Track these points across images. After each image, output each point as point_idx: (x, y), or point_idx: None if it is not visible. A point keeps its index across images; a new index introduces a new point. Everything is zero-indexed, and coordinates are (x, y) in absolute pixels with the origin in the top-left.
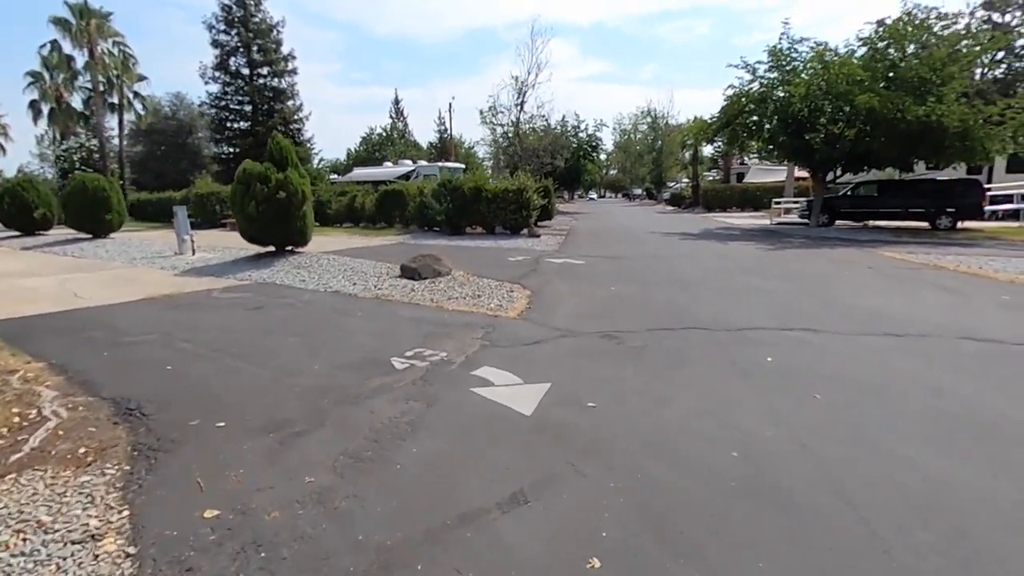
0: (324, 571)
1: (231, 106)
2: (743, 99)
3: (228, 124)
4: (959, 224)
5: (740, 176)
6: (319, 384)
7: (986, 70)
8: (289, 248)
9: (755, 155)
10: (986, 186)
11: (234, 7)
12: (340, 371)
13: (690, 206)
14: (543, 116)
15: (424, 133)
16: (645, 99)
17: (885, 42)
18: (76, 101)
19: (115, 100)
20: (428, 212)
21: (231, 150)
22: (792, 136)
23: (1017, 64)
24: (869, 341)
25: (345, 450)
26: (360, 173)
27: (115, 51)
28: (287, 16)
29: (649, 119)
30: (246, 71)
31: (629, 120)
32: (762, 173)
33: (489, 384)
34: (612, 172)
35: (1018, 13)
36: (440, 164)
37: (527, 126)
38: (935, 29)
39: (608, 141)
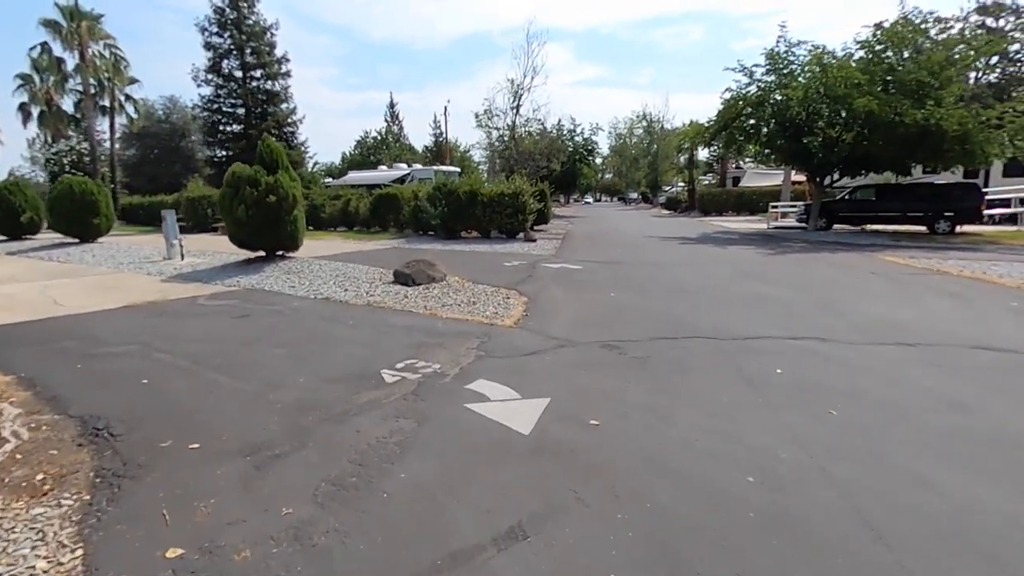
0: None
1: (224, 109)
2: (740, 102)
3: (221, 127)
4: (958, 228)
5: (736, 180)
6: (303, 399)
7: (981, 74)
8: (280, 253)
9: (751, 159)
10: (984, 190)
11: (227, 9)
12: (326, 385)
13: (686, 210)
14: (539, 120)
15: (420, 137)
16: (640, 103)
17: (883, 45)
18: (67, 104)
19: (106, 103)
20: (423, 216)
21: (224, 153)
22: (790, 139)
23: (1011, 69)
24: (880, 351)
25: (327, 476)
26: (355, 177)
27: (106, 53)
28: (283, 20)
29: (645, 123)
30: (239, 74)
31: (624, 124)
32: (758, 177)
33: (484, 399)
34: (608, 176)
35: (1011, 18)
36: (435, 168)
37: (523, 129)
38: (932, 33)
39: (604, 145)
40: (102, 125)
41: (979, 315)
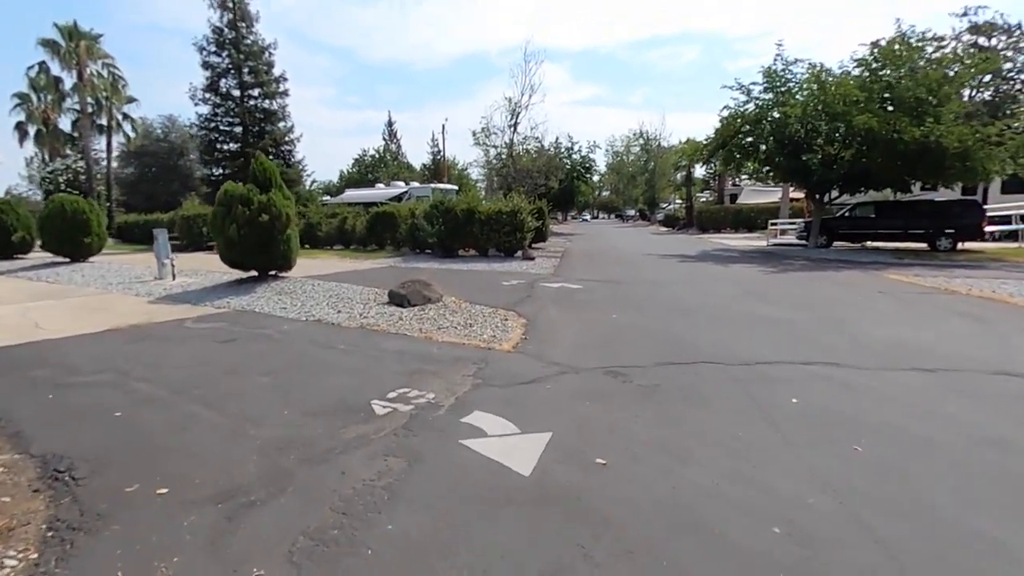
0: None
1: (221, 128)
2: (738, 120)
3: (218, 146)
4: (959, 245)
5: (733, 197)
6: (286, 436)
7: (975, 92)
8: (273, 273)
9: (747, 176)
10: (984, 207)
11: (225, 29)
12: (312, 419)
13: (684, 227)
14: (536, 137)
15: (418, 156)
16: (637, 122)
17: (880, 63)
18: (65, 123)
19: (104, 122)
20: (420, 234)
21: (221, 172)
22: (789, 157)
23: (1004, 87)
24: (900, 378)
25: (306, 528)
26: (352, 195)
27: (104, 73)
28: (284, 42)
29: (641, 141)
30: (237, 93)
31: (622, 142)
32: (755, 194)
33: (481, 434)
34: (605, 193)
35: (1003, 37)
36: (432, 185)
37: (520, 147)
38: (928, 51)
39: (601, 163)
40: (99, 144)
41: (996, 337)
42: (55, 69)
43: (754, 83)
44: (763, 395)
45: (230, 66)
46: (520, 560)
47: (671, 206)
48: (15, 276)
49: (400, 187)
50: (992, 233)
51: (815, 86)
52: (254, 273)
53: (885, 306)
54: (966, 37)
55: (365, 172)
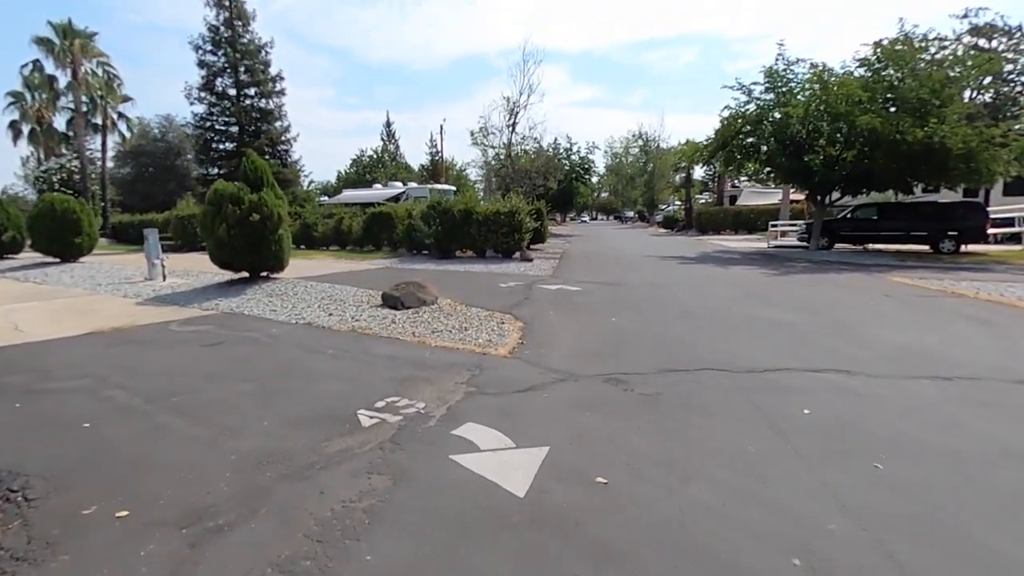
0: None
1: (217, 127)
2: (739, 120)
3: (214, 145)
4: (962, 248)
5: (733, 199)
6: (264, 449)
7: (975, 94)
8: (265, 274)
9: (746, 178)
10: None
11: (221, 27)
12: (294, 430)
13: (683, 229)
14: (535, 138)
15: (416, 156)
16: (636, 123)
17: (882, 63)
18: (60, 122)
19: (99, 121)
20: (417, 235)
21: (217, 171)
22: (790, 158)
23: (1004, 89)
24: (914, 386)
25: (277, 557)
26: (349, 195)
27: (99, 71)
28: (283, 43)
29: (640, 142)
30: (233, 92)
31: (620, 143)
32: (755, 196)
33: (473, 448)
34: (604, 195)
35: (1004, 39)
36: (430, 186)
37: (519, 147)
38: (932, 50)
39: (600, 164)
40: (95, 143)
41: (1009, 343)
42: (49, 67)
43: (755, 83)
44: (771, 405)
45: (226, 65)
46: None
47: (670, 208)
48: (3, 276)
49: (398, 188)
50: (994, 235)
51: (817, 86)
52: (245, 274)
53: (892, 310)
54: (966, 39)
55: (363, 173)
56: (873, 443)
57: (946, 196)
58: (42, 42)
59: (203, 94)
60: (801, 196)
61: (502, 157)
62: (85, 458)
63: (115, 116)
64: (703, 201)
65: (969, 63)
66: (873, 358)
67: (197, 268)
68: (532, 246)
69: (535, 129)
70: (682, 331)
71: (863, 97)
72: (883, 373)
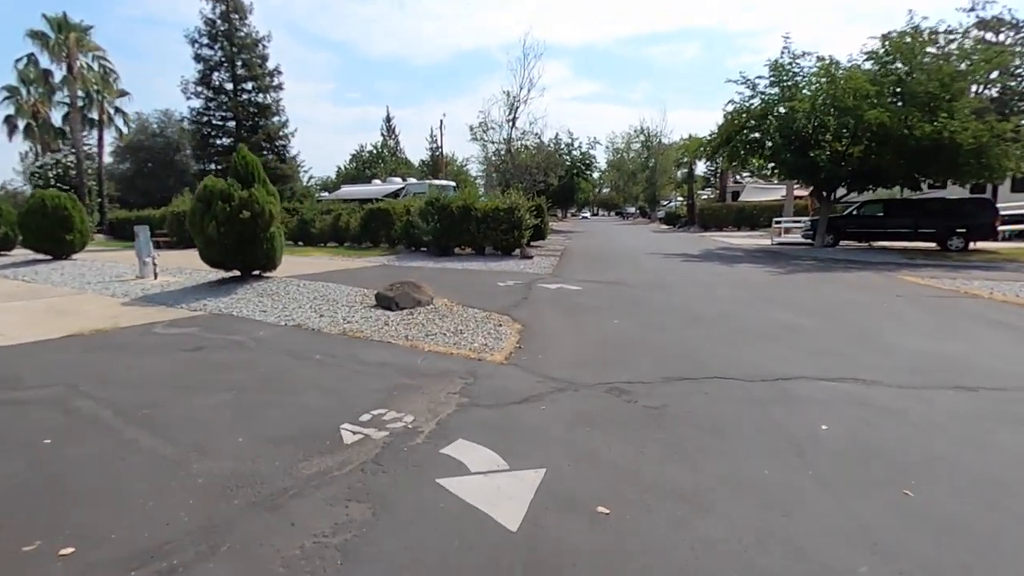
0: None
1: (214, 122)
2: (744, 115)
3: (211, 140)
4: (971, 245)
5: (735, 195)
6: (235, 472)
7: (982, 89)
8: (257, 273)
9: (749, 174)
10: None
11: (218, 21)
12: (270, 448)
13: (685, 225)
14: (535, 133)
15: (417, 152)
16: (638, 118)
17: (891, 56)
18: (56, 117)
19: (95, 115)
20: (415, 232)
21: (214, 167)
22: (796, 153)
23: (1011, 83)
24: (940, 399)
25: None
26: (348, 191)
27: (95, 65)
28: (283, 37)
29: (642, 137)
30: (230, 86)
31: (622, 139)
32: (758, 192)
33: (462, 470)
34: (605, 190)
35: (1011, 33)
36: (429, 182)
37: (519, 143)
38: (941, 43)
39: (601, 159)
40: (92, 138)
41: None
42: (44, 62)
43: (760, 77)
44: (787, 420)
45: (223, 59)
46: None
47: (672, 204)
48: None
49: (397, 183)
50: (1002, 232)
51: (824, 80)
52: (237, 273)
53: (906, 311)
54: (974, 33)
55: (363, 168)
56: (900, 466)
57: (952, 192)
58: (37, 36)
59: (200, 88)
60: (805, 192)
61: (502, 152)
62: (38, 482)
63: (111, 111)
64: (705, 197)
65: (976, 57)
66: (891, 366)
67: (191, 266)
68: (532, 243)
69: (536, 124)
70: (688, 335)
71: (871, 91)
72: (903, 383)
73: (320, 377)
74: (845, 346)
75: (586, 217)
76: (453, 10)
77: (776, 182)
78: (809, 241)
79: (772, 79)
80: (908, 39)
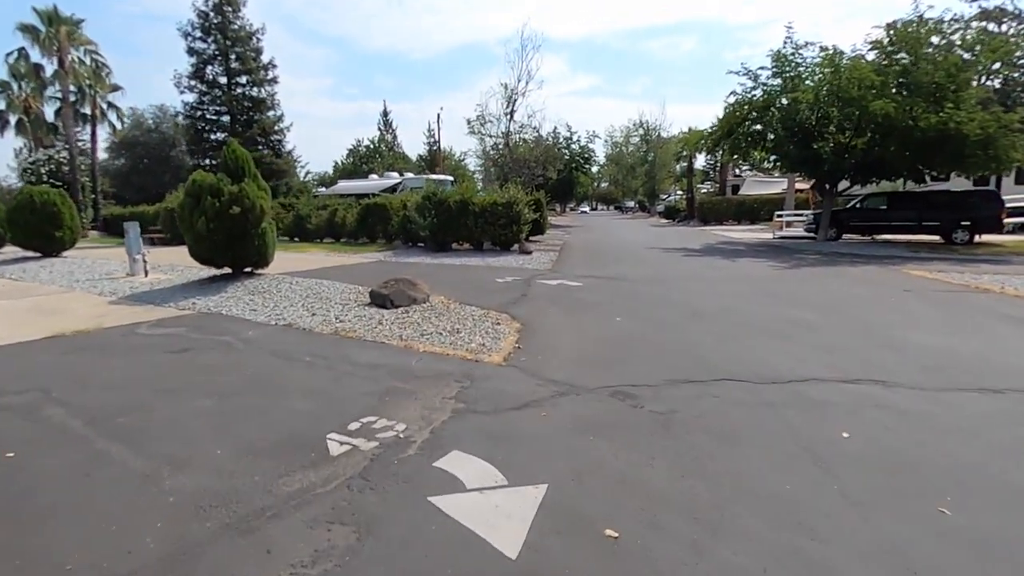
0: None
1: (208, 116)
2: (745, 106)
3: (205, 135)
4: (976, 238)
5: (735, 188)
6: (210, 489)
7: (985, 80)
8: (248, 270)
9: (748, 167)
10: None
11: (211, 14)
12: (250, 461)
13: (685, 219)
14: (534, 127)
15: (415, 146)
16: (636, 112)
17: (895, 46)
18: (49, 112)
19: (88, 111)
20: (411, 227)
21: (209, 162)
22: (798, 145)
23: (1014, 75)
24: (964, 401)
25: None
26: (345, 186)
27: (87, 60)
28: (279, 31)
29: (641, 131)
30: (223, 80)
31: (621, 132)
32: (758, 185)
33: (457, 487)
34: (604, 185)
35: (1014, 24)
36: (427, 176)
37: (517, 136)
38: (946, 31)
39: (600, 153)
40: (85, 133)
41: None
42: (35, 56)
43: (762, 68)
44: (804, 426)
45: (216, 52)
46: None
47: (671, 197)
48: None
49: (394, 178)
50: (1008, 225)
51: (828, 70)
52: (228, 270)
53: (917, 307)
54: (975, 23)
55: (360, 163)
56: (931, 478)
57: (955, 185)
58: (27, 29)
59: (193, 82)
60: (806, 185)
61: (500, 146)
62: None
63: (104, 106)
64: (705, 191)
65: (978, 48)
66: (909, 365)
67: (183, 263)
68: (531, 238)
69: (534, 117)
70: (693, 333)
71: (876, 81)
72: (924, 384)
73: (309, 381)
74: (856, 344)
75: (585, 212)
76: (452, 4)
77: (777, 175)
78: (811, 235)
79: (774, 70)
80: (913, 28)
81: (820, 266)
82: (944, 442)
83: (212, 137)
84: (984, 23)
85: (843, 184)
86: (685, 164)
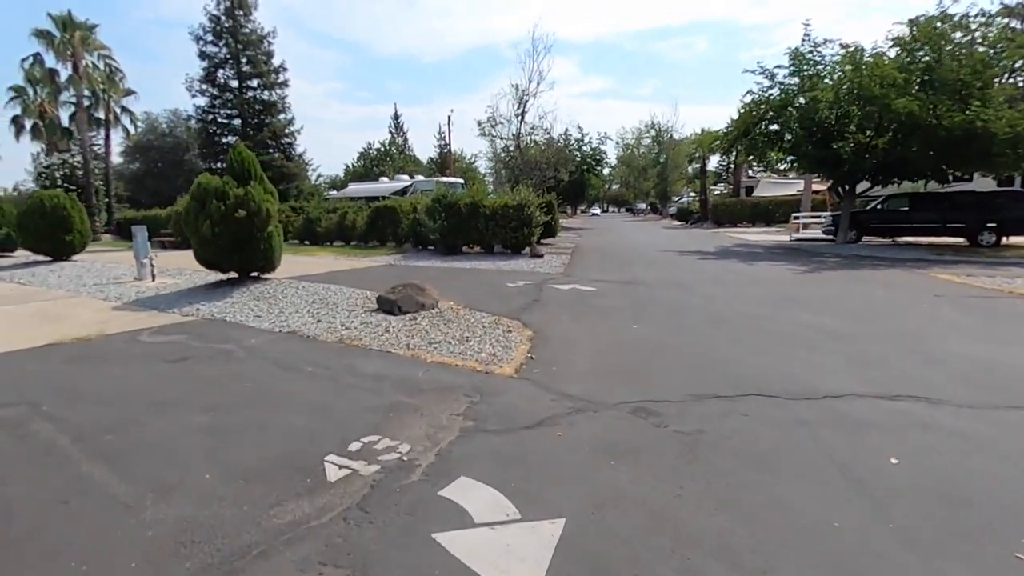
0: None
1: (219, 120)
2: (762, 106)
3: (216, 138)
4: (1003, 240)
5: (749, 189)
6: (194, 520)
7: (1008, 78)
8: (255, 274)
9: (761, 168)
10: None
11: (223, 17)
12: (240, 487)
13: (698, 221)
14: (545, 128)
15: (425, 149)
16: (648, 113)
17: (919, 43)
18: (64, 117)
19: (101, 115)
20: (421, 230)
21: (220, 166)
22: (817, 145)
23: None
24: (1019, 420)
25: None
26: (355, 189)
27: (100, 64)
28: (292, 36)
29: (653, 133)
30: (235, 83)
31: (632, 134)
32: (772, 186)
33: (465, 521)
34: (615, 187)
35: None
36: (437, 179)
37: (528, 138)
38: (973, 28)
39: (611, 155)
40: (100, 138)
41: None
42: (50, 61)
43: (779, 66)
44: (845, 449)
45: (227, 56)
46: None
47: (683, 199)
48: None
49: (404, 181)
50: None
51: (849, 67)
52: (235, 275)
53: (949, 313)
54: (997, 20)
55: (371, 166)
56: (998, 515)
57: (978, 185)
58: (42, 35)
59: (205, 86)
60: (823, 186)
61: (511, 148)
62: None
63: (118, 110)
64: (718, 192)
65: (1000, 46)
66: (952, 380)
67: (192, 267)
68: (543, 240)
69: (545, 119)
70: (715, 341)
71: (899, 79)
72: (973, 402)
73: (310, 394)
74: (891, 354)
75: (596, 214)
76: (462, 8)
77: (792, 176)
78: (830, 237)
79: (792, 68)
80: (938, 24)
81: (842, 269)
82: (1006, 470)
83: (223, 140)
84: (1007, 20)
85: (862, 185)
86: (698, 166)
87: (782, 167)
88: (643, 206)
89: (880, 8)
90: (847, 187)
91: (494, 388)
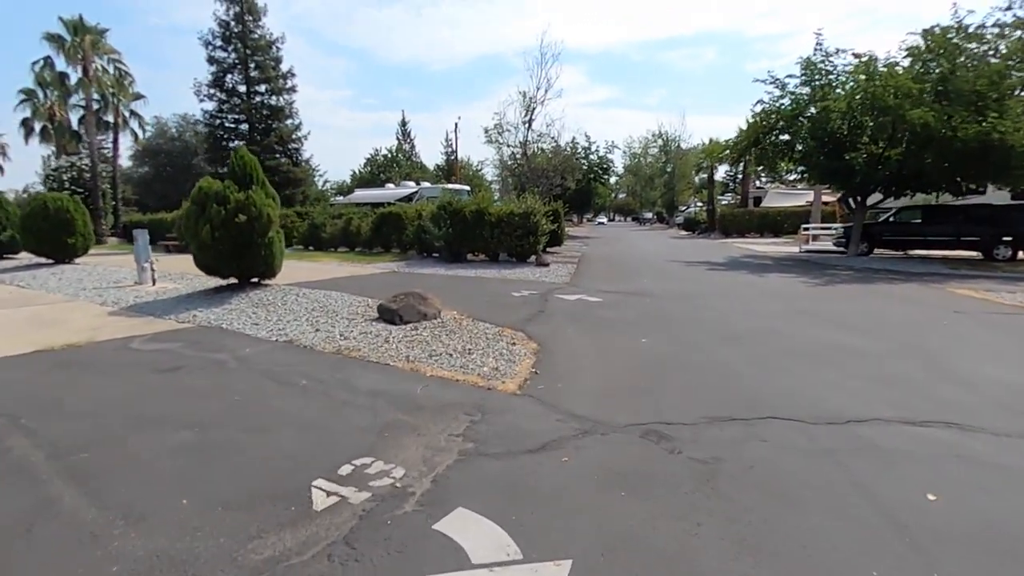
0: None
1: (227, 124)
2: (773, 116)
3: (224, 143)
4: (1020, 254)
5: (757, 200)
6: (163, 554)
7: (1019, 90)
8: (255, 280)
9: (768, 178)
10: None
11: (232, 23)
12: (218, 516)
13: (705, 231)
14: (552, 136)
15: (432, 156)
16: (655, 123)
17: (933, 53)
18: (73, 120)
19: (110, 119)
20: (426, 237)
21: (226, 170)
22: (829, 156)
23: None
24: None
25: None
26: (361, 195)
27: (110, 68)
28: (300, 43)
29: (660, 142)
30: (243, 88)
31: (639, 143)
32: (780, 197)
33: (461, 563)
34: (621, 196)
35: None
36: (443, 186)
37: (535, 145)
38: (987, 39)
39: (617, 164)
40: (108, 141)
41: None
42: (60, 64)
43: (790, 76)
44: (877, 483)
45: (236, 61)
46: None
47: (690, 209)
48: None
49: (410, 187)
50: None
51: (862, 77)
52: (235, 280)
53: (972, 331)
54: (1011, 32)
55: (377, 172)
56: None
57: (992, 198)
58: (53, 38)
59: (213, 91)
60: (832, 198)
61: (518, 155)
62: None
63: (127, 114)
64: (725, 203)
65: (1014, 59)
66: (983, 404)
67: (193, 271)
68: (549, 249)
69: (552, 126)
70: (729, 358)
71: (914, 89)
72: (1010, 430)
73: (302, 410)
74: (916, 375)
75: (602, 222)
76: (470, 17)
77: (801, 187)
78: (841, 249)
79: (803, 78)
80: (952, 34)
81: (855, 283)
82: None
83: (230, 145)
84: (1018, 32)
85: (874, 197)
86: (705, 175)
87: (792, 178)
88: (649, 215)
89: (890, 25)
90: (859, 199)
91: (496, 406)
